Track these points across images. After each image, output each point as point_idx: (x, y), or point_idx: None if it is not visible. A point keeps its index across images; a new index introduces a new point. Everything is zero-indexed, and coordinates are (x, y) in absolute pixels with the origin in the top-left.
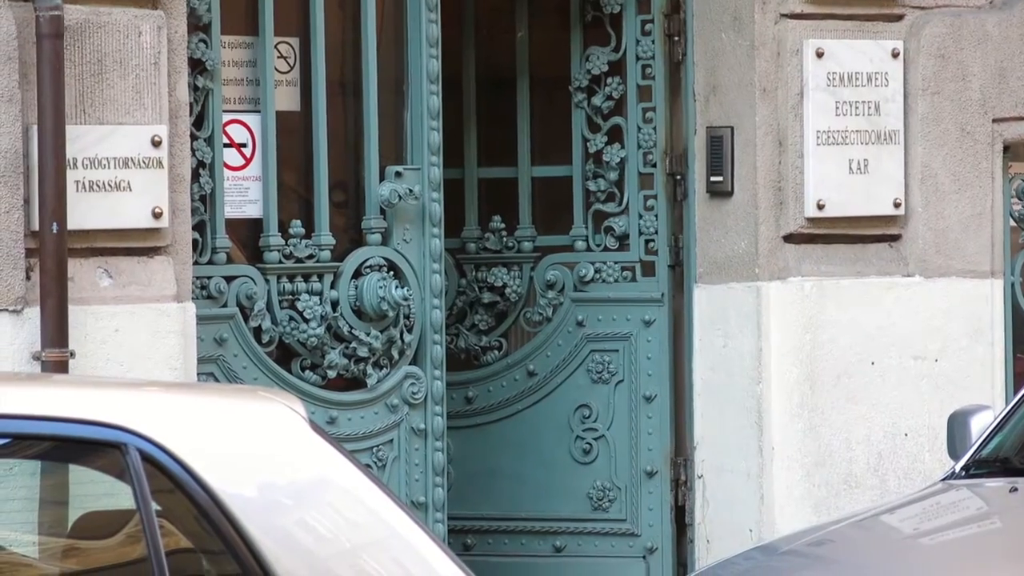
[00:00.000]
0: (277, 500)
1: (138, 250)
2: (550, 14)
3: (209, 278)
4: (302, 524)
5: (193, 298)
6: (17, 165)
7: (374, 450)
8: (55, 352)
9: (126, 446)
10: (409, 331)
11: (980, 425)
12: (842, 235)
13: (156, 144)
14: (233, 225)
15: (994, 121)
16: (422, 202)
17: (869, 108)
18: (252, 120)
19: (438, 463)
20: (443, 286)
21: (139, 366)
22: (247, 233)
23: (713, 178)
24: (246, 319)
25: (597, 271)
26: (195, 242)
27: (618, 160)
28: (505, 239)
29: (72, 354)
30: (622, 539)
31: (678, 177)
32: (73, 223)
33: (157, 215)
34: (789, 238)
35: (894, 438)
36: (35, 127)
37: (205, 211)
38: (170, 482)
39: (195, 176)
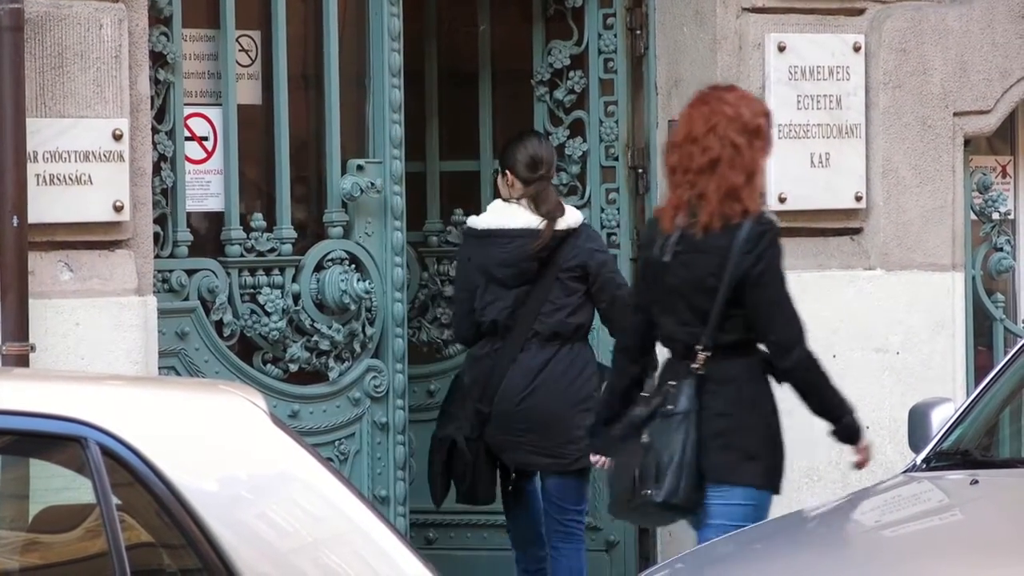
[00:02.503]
0: (238, 494)
1: (99, 243)
2: (512, 8)
3: (170, 271)
4: (263, 518)
5: (154, 291)
6: None
7: (336, 444)
8: (15, 346)
9: (86, 440)
10: (371, 324)
11: (941, 417)
12: (804, 228)
13: (117, 137)
14: (194, 218)
15: (955, 115)
16: (384, 195)
17: (831, 102)
18: (213, 113)
19: (400, 456)
20: (405, 279)
21: (100, 360)
22: (209, 226)
23: None
24: (207, 312)
25: None
26: (156, 235)
27: (580, 154)
28: None
29: (33, 348)
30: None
31: (640, 170)
32: (34, 216)
33: (118, 208)
34: None
35: None
36: None
37: (166, 204)
38: (130, 476)
39: (156, 169)
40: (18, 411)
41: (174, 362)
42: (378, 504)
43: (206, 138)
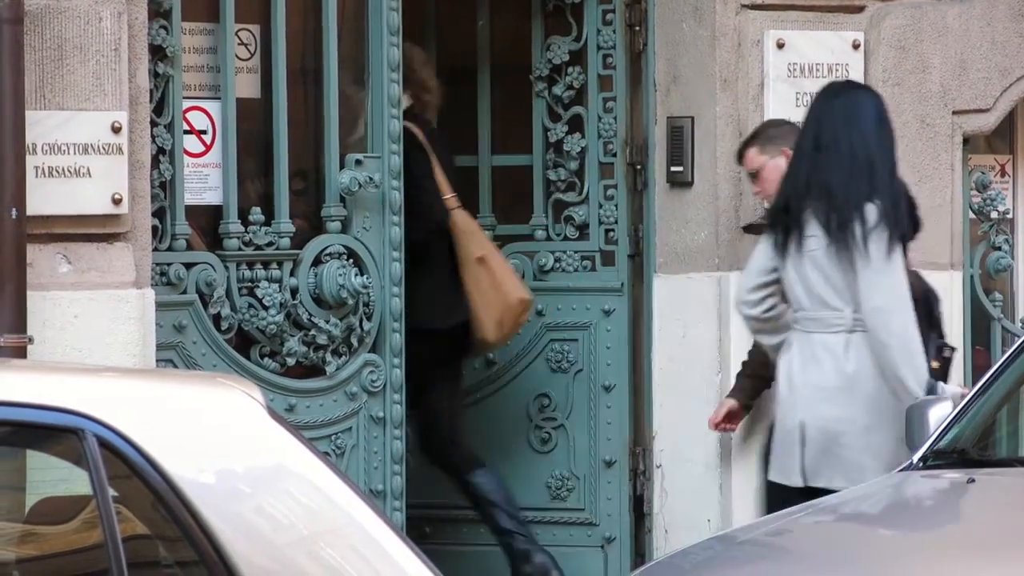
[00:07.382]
0: (234, 487)
1: (97, 236)
2: (511, 3)
3: (169, 264)
4: (259, 511)
5: (152, 284)
6: None
7: (332, 438)
8: (13, 338)
9: (83, 432)
10: (368, 319)
11: (938, 416)
12: None
13: (116, 130)
14: (193, 212)
15: (954, 113)
16: (382, 190)
17: None
18: (212, 107)
19: (396, 451)
20: (403, 274)
21: (98, 352)
22: (207, 220)
23: (673, 168)
24: (205, 306)
25: (557, 260)
26: (155, 228)
27: (579, 150)
28: None
29: (31, 339)
30: (580, 529)
31: (638, 167)
32: (32, 209)
33: (117, 201)
34: (749, 228)
35: None
36: None
37: (165, 198)
38: (127, 468)
39: (155, 163)
40: (15, 402)
41: (171, 355)
42: (374, 498)
43: (205, 131)
